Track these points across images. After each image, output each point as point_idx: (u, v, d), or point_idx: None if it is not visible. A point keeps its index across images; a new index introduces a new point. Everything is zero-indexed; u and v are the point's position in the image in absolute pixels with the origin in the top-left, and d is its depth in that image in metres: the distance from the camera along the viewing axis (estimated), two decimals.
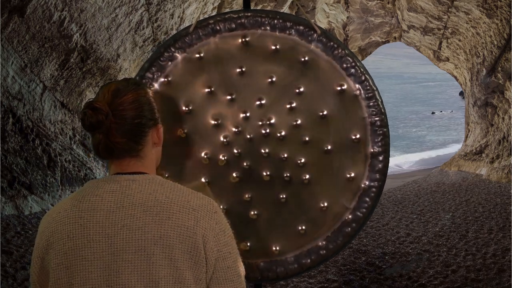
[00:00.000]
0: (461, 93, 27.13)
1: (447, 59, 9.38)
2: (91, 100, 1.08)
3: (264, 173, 1.48)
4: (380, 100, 1.48)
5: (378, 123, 1.47)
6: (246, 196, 1.49)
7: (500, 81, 7.29)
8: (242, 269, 1.10)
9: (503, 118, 7.49)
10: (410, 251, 4.32)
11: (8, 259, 3.42)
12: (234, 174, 1.49)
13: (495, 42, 7.11)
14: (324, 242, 1.48)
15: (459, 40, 8.37)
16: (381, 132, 1.47)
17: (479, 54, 7.81)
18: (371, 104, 1.47)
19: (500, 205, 5.67)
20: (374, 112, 1.47)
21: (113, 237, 1.00)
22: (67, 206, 1.06)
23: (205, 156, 1.49)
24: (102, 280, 0.99)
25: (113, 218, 1.02)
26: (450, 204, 6.07)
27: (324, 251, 1.48)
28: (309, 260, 1.49)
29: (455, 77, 9.87)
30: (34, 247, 1.09)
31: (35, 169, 4.52)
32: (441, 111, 26.70)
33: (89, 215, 1.03)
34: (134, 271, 0.99)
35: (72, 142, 5.21)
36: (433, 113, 26.50)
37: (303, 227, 1.49)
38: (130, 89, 1.10)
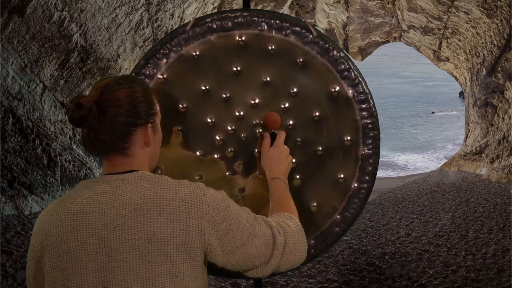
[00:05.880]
0: (461, 94, 27.09)
1: (447, 59, 9.38)
2: (78, 95, 1.08)
3: (257, 173, 1.49)
4: (372, 103, 1.49)
5: (370, 125, 1.48)
6: (238, 195, 1.50)
7: (500, 81, 7.28)
8: (248, 225, 1.09)
9: (503, 118, 7.49)
10: (410, 251, 4.32)
11: (8, 259, 3.42)
12: (227, 173, 1.50)
13: (495, 42, 7.11)
14: (313, 241, 1.50)
15: (459, 40, 8.37)
16: (372, 134, 1.48)
17: (479, 54, 7.81)
18: (363, 107, 1.48)
19: (500, 205, 5.67)
20: (366, 115, 1.48)
21: (106, 238, 1.00)
22: (59, 208, 1.06)
23: (199, 155, 1.49)
24: (98, 281, 0.99)
25: (105, 220, 1.01)
26: (450, 204, 6.07)
27: (313, 250, 1.50)
28: None
29: (455, 77, 9.87)
30: (29, 249, 1.09)
31: (35, 169, 4.52)
32: (441, 111, 26.64)
33: (81, 218, 1.02)
34: (130, 271, 0.99)
35: (72, 142, 5.22)
36: (433, 112, 26.46)
37: None
38: (122, 86, 1.10)
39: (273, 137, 1.42)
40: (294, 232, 1.17)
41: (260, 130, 1.49)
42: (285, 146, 1.40)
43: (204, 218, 1.03)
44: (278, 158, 1.37)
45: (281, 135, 1.41)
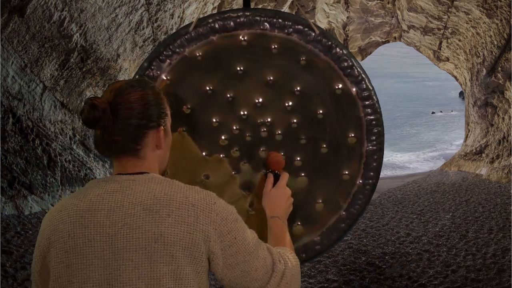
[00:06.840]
0: (461, 94, 27.05)
1: (447, 59, 9.38)
2: (93, 96, 1.09)
3: (262, 172, 1.50)
4: (376, 99, 1.50)
5: (374, 122, 1.50)
6: (244, 194, 1.51)
7: (500, 81, 7.29)
8: (252, 244, 1.10)
9: (503, 118, 7.50)
10: (410, 251, 4.32)
11: (8, 259, 3.42)
12: (233, 172, 1.51)
13: (495, 42, 7.11)
14: (319, 238, 1.52)
15: (459, 40, 8.38)
16: (376, 131, 1.50)
17: (479, 54, 7.81)
18: (367, 103, 1.49)
19: (500, 205, 5.67)
20: (370, 112, 1.49)
21: (113, 236, 1.02)
22: (68, 205, 1.07)
23: (205, 155, 1.50)
24: (103, 278, 1.00)
25: (113, 218, 1.03)
26: (450, 204, 6.08)
27: (319, 246, 1.52)
28: (304, 255, 1.53)
29: (455, 77, 9.87)
30: (35, 245, 1.10)
31: (35, 169, 4.52)
32: (441, 111, 26.61)
33: (90, 215, 1.04)
34: (135, 269, 1.00)
35: (72, 142, 5.22)
36: (433, 113, 26.42)
37: (299, 223, 1.52)
38: (135, 89, 1.11)
39: (276, 177, 1.43)
40: (293, 266, 1.19)
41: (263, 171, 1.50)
42: (288, 188, 1.41)
43: (211, 225, 1.05)
44: (279, 199, 1.39)
45: (284, 177, 1.43)
